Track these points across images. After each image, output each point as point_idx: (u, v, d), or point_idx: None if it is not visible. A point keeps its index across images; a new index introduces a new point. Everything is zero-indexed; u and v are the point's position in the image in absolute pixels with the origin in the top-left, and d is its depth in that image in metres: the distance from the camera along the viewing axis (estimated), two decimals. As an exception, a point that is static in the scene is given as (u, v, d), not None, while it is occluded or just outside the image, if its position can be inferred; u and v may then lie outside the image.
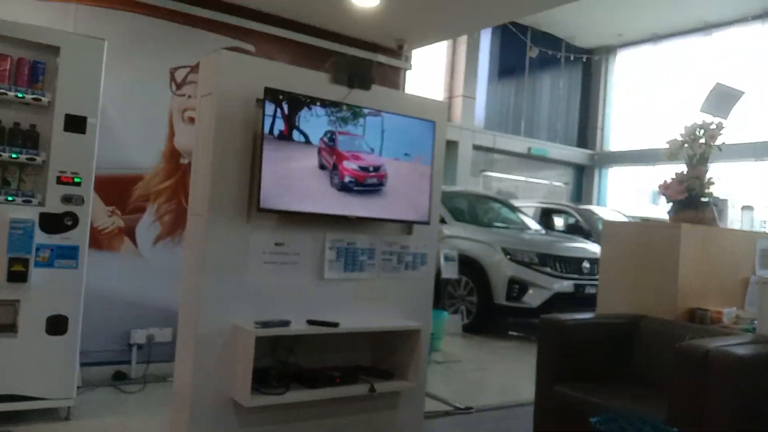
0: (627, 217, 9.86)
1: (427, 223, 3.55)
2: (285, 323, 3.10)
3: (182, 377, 3.11)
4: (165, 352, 4.26)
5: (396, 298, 3.56)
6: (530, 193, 16.43)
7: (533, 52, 11.23)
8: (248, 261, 3.10)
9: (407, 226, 3.58)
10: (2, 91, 3.31)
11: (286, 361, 3.26)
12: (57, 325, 3.40)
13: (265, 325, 3.02)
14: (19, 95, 3.35)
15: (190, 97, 4.40)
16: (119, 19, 4.16)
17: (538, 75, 18.03)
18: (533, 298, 6.76)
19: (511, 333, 7.52)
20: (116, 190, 4.16)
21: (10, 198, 3.31)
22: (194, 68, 4.42)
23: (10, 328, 3.33)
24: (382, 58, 5.32)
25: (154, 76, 4.29)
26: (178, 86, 4.38)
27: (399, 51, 5.40)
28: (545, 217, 9.49)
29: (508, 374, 5.62)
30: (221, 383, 3.01)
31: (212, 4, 4.49)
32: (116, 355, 4.20)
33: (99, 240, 4.08)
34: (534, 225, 8.39)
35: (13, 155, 3.32)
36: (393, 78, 5.42)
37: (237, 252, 3.07)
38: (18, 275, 3.27)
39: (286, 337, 3.24)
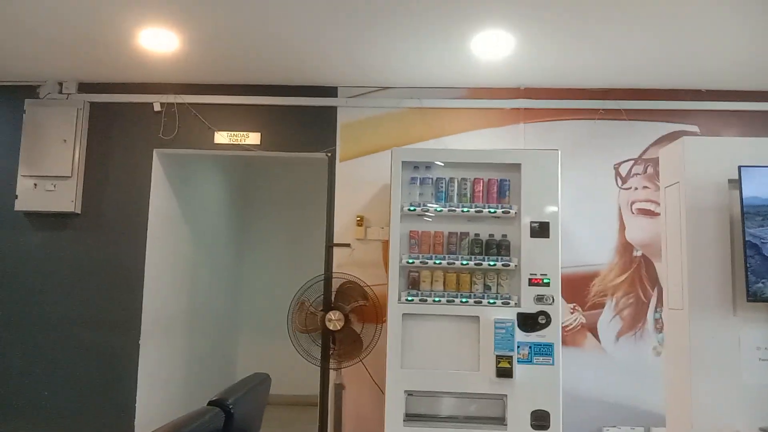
0: None
1: None
2: (799, 432, 2.65)
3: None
4: (641, 454, 4.10)
5: None
6: None
7: None
8: (741, 358, 2.80)
9: None
10: (479, 209, 3.85)
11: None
12: (541, 419, 3.61)
13: (773, 433, 2.64)
14: (491, 211, 3.84)
15: (636, 189, 4.40)
16: (563, 127, 4.49)
17: None
18: None
19: None
20: (575, 287, 4.34)
21: (491, 301, 3.75)
22: (637, 160, 4.43)
23: (500, 421, 3.66)
24: None
25: (599, 174, 4.44)
26: (623, 180, 4.42)
27: None
28: None
29: None
30: (729, 498, 2.71)
31: (652, 94, 4.49)
32: (591, 453, 4.21)
33: (564, 336, 4.26)
34: None
35: (491, 263, 3.78)
36: None
37: (726, 348, 2.81)
38: (505, 371, 3.62)
39: (798, 449, 2.77)
